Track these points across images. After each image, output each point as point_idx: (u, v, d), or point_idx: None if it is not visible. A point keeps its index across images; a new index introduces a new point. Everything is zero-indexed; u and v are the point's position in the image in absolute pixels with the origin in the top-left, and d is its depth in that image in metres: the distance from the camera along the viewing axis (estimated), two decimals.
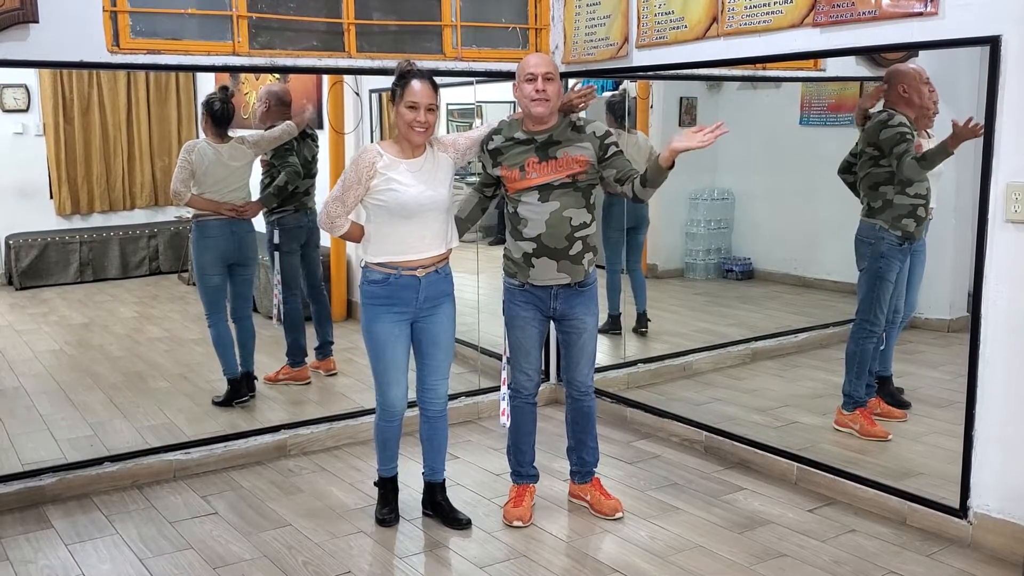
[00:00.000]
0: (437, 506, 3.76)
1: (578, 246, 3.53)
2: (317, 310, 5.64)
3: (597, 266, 3.73)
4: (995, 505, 3.39)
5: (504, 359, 3.81)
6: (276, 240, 5.29)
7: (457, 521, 3.69)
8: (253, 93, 8.17)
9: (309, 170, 5.32)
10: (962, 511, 3.48)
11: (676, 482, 4.12)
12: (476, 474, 4.22)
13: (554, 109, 3.50)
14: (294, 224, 5.31)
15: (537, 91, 3.43)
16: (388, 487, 3.77)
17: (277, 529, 3.69)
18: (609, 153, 3.54)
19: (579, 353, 3.67)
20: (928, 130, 4.31)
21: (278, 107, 5.27)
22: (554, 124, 3.52)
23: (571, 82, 5.24)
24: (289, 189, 5.17)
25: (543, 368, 4.10)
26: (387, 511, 3.74)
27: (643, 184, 3.41)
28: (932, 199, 4.37)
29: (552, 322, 3.72)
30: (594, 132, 3.54)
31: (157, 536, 3.63)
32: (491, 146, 3.59)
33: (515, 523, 3.68)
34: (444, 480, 3.80)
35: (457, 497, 3.95)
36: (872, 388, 4.56)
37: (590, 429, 3.80)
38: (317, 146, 5.43)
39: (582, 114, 3.68)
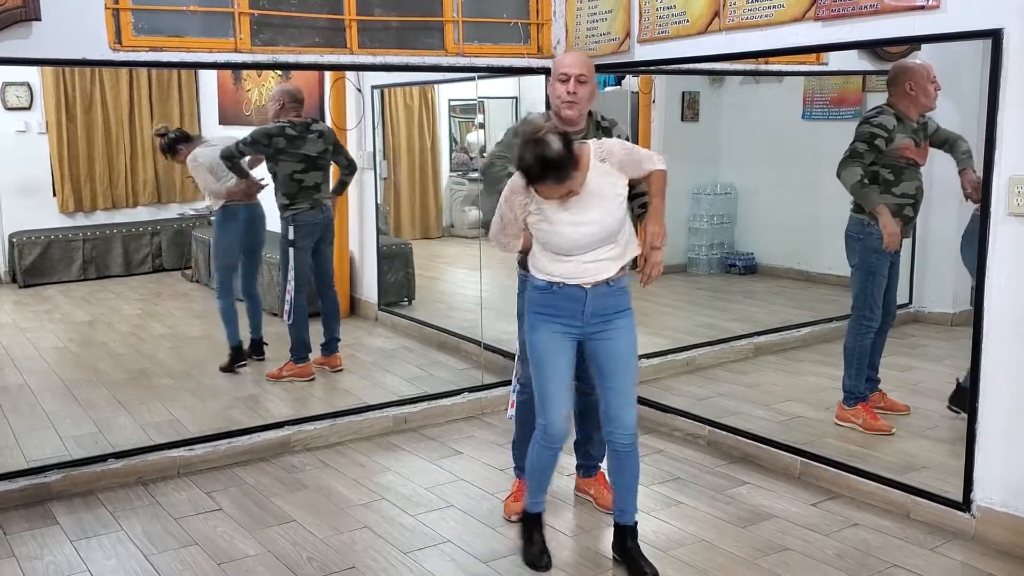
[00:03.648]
0: (625, 552, 3.31)
1: None
2: (326, 307, 5.66)
3: None
4: (998, 498, 3.39)
5: (517, 356, 3.78)
6: (291, 236, 5.32)
7: (641, 571, 3.25)
8: (255, 90, 8.18)
9: (314, 164, 5.31)
10: (965, 505, 3.48)
11: (679, 477, 4.12)
12: (480, 469, 4.23)
13: (584, 111, 3.43)
14: (309, 221, 5.32)
15: (568, 93, 3.35)
16: (534, 524, 3.39)
17: (281, 525, 3.70)
18: None
19: None
20: (922, 116, 4.29)
21: (292, 104, 5.30)
22: (584, 125, 3.47)
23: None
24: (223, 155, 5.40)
25: None
26: (538, 552, 3.34)
27: (635, 216, 3.41)
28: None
29: None
30: (620, 135, 3.56)
31: (162, 532, 3.64)
32: None
33: (514, 517, 3.69)
34: (635, 524, 3.34)
35: (460, 492, 3.97)
36: (874, 383, 4.56)
37: (597, 422, 3.79)
38: (326, 142, 5.39)
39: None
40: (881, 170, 4.23)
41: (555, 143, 2.83)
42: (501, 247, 3.23)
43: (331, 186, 5.52)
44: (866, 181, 4.17)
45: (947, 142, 4.35)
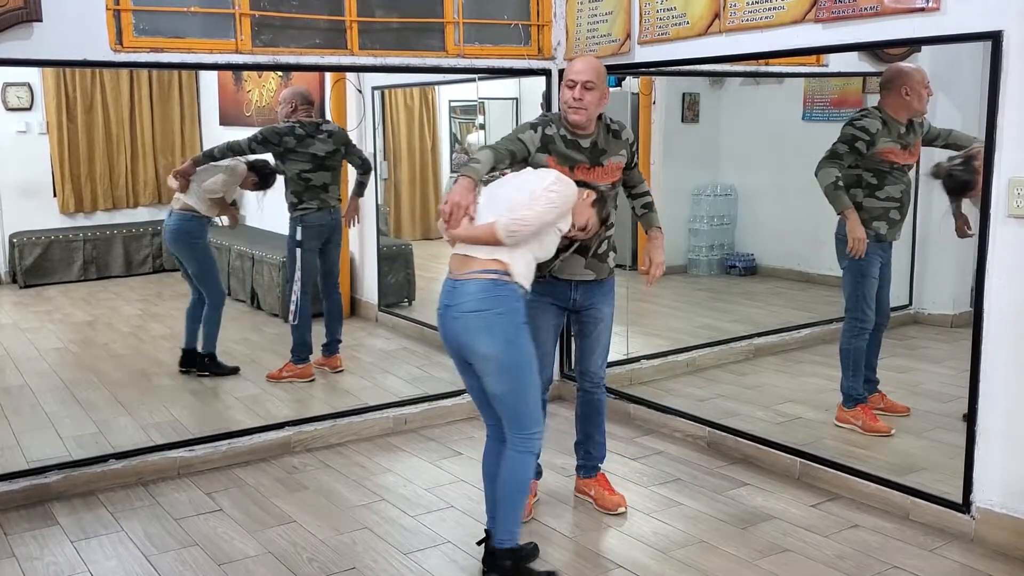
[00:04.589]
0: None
1: (605, 245, 3.57)
2: (330, 308, 5.66)
3: None
4: (998, 500, 3.39)
5: None
6: (298, 237, 5.32)
7: None
8: (256, 91, 8.19)
9: (322, 164, 5.32)
10: (965, 506, 3.48)
11: (679, 478, 4.13)
12: (480, 470, 4.22)
13: (592, 117, 3.45)
14: (317, 222, 5.33)
15: (574, 99, 3.38)
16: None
17: (282, 526, 3.70)
18: (633, 162, 3.64)
19: (594, 343, 3.68)
20: (918, 119, 4.29)
21: (304, 106, 5.31)
22: (594, 129, 3.49)
23: None
24: (215, 153, 5.31)
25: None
26: None
27: (637, 216, 3.75)
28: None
29: (569, 314, 3.72)
30: (627, 139, 3.59)
31: (162, 533, 3.65)
32: (548, 131, 3.45)
33: None
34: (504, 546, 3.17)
35: (460, 494, 3.97)
36: (873, 384, 4.56)
37: (599, 423, 3.81)
38: (335, 143, 5.40)
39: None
40: (864, 173, 4.23)
41: None
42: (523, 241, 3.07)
43: (339, 187, 5.50)
44: (840, 183, 4.18)
45: (939, 137, 4.36)
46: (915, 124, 4.27)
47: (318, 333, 5.61)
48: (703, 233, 7.53)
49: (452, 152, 9.17)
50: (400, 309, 7.00)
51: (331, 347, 5.67)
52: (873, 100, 4.43)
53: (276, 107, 5.56)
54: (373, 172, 6.85)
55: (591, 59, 3.50)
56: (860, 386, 4.45)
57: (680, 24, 4.29)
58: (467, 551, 3.46)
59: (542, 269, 3.57)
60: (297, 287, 5.33)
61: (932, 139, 4.37)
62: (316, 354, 5.60)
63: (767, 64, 4.93)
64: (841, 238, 4.34)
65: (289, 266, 5.43)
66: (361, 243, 7.08)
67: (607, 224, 3.53)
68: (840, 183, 4.17)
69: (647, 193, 3.74)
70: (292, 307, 5.36)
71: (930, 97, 4.22)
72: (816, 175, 4.21)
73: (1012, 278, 3.26)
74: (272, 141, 5.26)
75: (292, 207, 5.33)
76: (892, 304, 4.61)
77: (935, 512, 3.58)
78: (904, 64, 4.29)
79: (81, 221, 9.01)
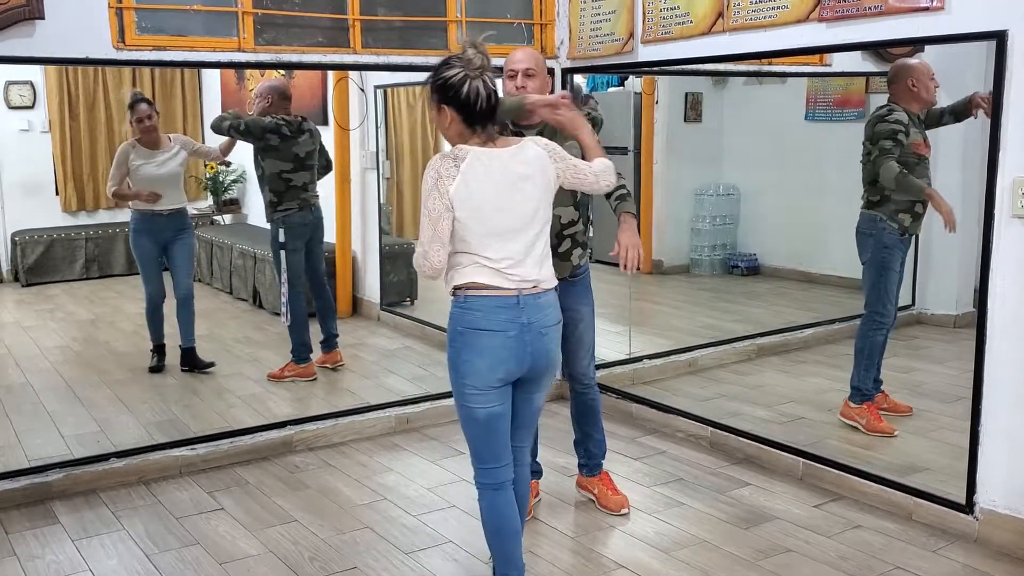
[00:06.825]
0: None
1: (567, 243, 3.52)
2: (321, 305, 5.66)
3: None
4: (1001, 501, 3.38)
5: None
6: (281, 239, 5.30)
7: None
8: None
9: (303, 164, 5.29)
10: (968, 507, 3.47)
11: (682, 478, 4.12)
12: None
13: None
14: (299, 222, 5.31)
15: (517, 88, 3.37)
16: None
17: (283, 525, 3.70)
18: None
19: (577, 344, 3.66)
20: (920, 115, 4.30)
21: (280, 102, 5.26)
22: (540, 120, 3.38)
23: (577, 78, 5.24)
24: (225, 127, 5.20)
25: None
26: None
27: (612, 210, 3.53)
28: None
29: None
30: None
31: (163, 532, 3.64)
32: None
33: None
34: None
35: (462, 493, 3.96)
36: (877, 383, 4.55)
37: (596, 422, 3.80)
38: (314, 142, 5.38)
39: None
40: (873, 164, 4.24)
41: None
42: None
43: (316, 183, 5.45)
44: (905, 171, 4.18)
45: (942, 113, 4.38)
46: (921, 118, 4.29)
47: (317, 331, 5.61)
48: (706, 233, 7.52)
49: None
50: (402, 308, 6.99)
51: (329, 343, 5.67)
52: (876, 100, 4.43)
53: (251, 102, 5.48)
54: (378, 171, 6.87)
55: (529, 48, 3.55)
56: (871, 382, 4.45)
57: (683, 23, 4.28)
58: (469, 551, 3.46)
59: None
60: (285, 288, 5.32)
61: (936, 120, 4.36)
62: (317, 352, 5.60)
63: (770, 63, 4.92)
64: (864, 232, 4.34)
65: (275, 268, 5.42)
66: (363, 242, 7.07)
67: (571, 222, 3.50)
68: (904, 171, 4.18)
69: (621, 185, 3.55)
70: (283, 308, 5.35)
71: (937, 88, 4.23)
72: (880, 175, 4.20)
73: (1016, 278, 3.26)
74: (255, 134, 5.13)
75: (272, 208, 5.28)
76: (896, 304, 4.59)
77: (938, 513, 3.57)
78: (907, 59, 4.31)
79: (83, 219, 9.02)
